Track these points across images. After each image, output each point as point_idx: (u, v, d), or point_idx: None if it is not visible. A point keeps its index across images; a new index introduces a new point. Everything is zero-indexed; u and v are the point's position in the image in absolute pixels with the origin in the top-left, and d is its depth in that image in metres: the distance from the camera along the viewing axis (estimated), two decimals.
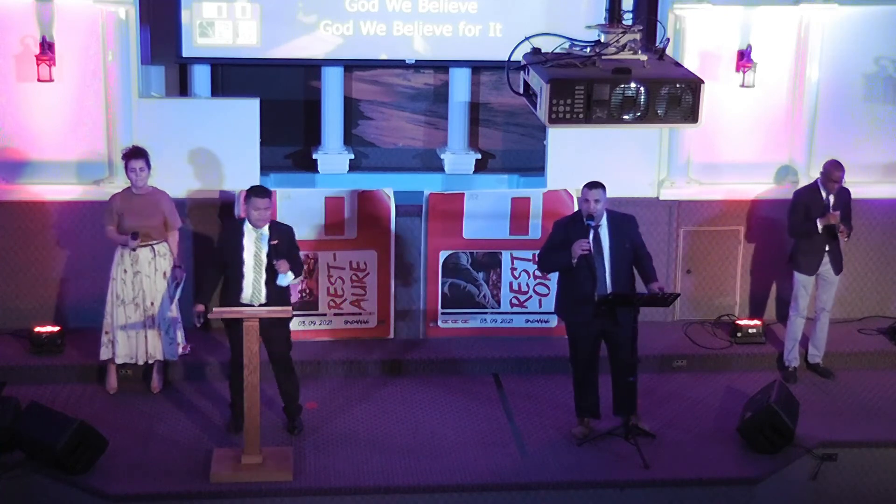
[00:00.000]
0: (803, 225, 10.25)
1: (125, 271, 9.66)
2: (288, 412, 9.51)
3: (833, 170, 10.19)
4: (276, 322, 9.08)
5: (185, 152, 10.63)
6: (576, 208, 10.55)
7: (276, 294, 9.13)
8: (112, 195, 9.83)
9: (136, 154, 9.65)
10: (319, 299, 10.70)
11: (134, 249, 9.58)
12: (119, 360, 9.82)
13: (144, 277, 9.67)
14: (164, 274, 9.73)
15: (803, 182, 10.86)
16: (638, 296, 9.12)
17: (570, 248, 9.02)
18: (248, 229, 9.10)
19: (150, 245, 9.69)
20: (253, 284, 9.10)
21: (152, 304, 9.71)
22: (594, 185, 9.13)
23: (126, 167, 9.64)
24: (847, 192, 10.35)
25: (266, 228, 9.10)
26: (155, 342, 9.80)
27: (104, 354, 9.86)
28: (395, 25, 11.30)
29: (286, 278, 9.12)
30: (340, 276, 10.69)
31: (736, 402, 9.89)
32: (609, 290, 9.09)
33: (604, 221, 9.16)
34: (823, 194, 10.23)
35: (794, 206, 10.38)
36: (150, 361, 9.89)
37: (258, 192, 9.14)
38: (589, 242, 9.01)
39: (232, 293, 9.11)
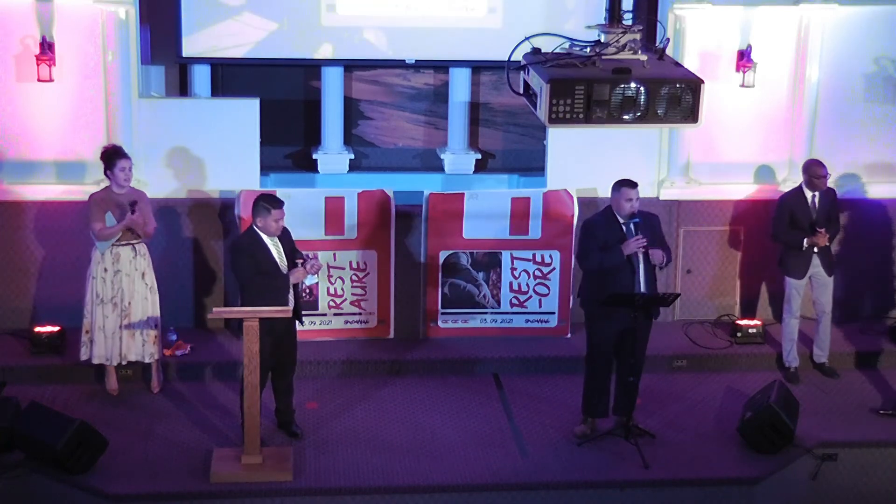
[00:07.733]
0: (788, 233, 10.24)
1: (105, 270, 9.61)
2: (285, 424, 9.41)
3: (816, 167, 10.17)
4: (289, 334, 9.11)
5: (185, 152, 10.62)
6: (576, 209, 10.58)
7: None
8: (91, 195, 9.69)
9: (121, 153, 9.54)
10: (319, 299, 10.70)
11: (133, 212, 9.45)
12: (96, 361, 9.78)
13: (124, 276, 9.61)
14: (143, 275, 9.68)
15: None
16: (638, 296, 9.10)
17: (613, 247, 8.97)
18: (266, 239, 8.97)
19: (132, 244, 9.64)
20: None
21: (129, 304, 9.67)
22: (633, 184, 9.08)
23: (113, 166, 9.48)
24: (832, 192, 10.34)
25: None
26: (129, 343, 9.76)
27: (83, 354, 9.83)
28: (395, 25, 11.29)
29: (312, 277, 9.24)
30: (340, 276, 10.69)
31: (736, 402, 9.89)
32: (642, 289, 9.10)
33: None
34: (808, 196, 10.20)
35: (778, 211, 10.35)
36: (124, 362, 9.83)
37: (277, 203, 8.96)
38: (644, 238, 8.98)
39: (280, 304, 8.84)
